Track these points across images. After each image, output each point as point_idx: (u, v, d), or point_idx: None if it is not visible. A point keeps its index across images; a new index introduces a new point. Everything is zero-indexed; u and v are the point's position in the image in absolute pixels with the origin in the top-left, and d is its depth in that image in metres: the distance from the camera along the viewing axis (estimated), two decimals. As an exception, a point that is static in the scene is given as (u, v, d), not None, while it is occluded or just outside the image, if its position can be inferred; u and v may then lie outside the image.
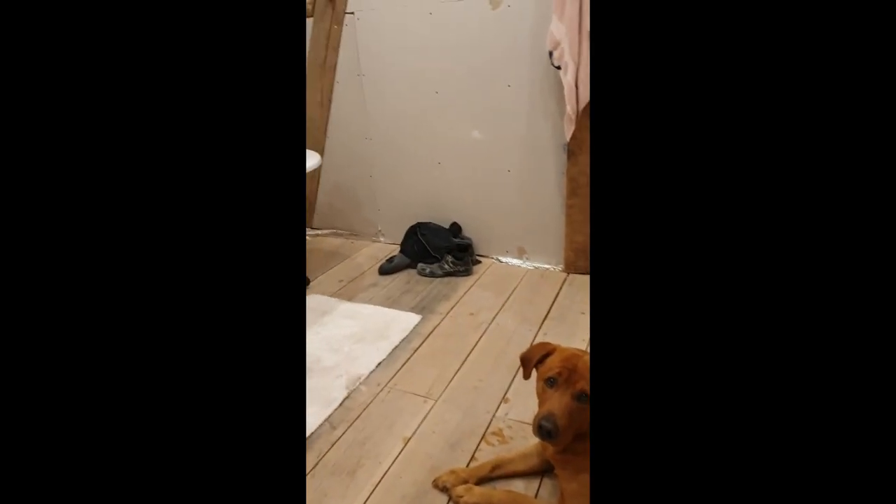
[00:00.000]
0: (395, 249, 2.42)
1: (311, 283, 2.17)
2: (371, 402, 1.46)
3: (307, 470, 1.24)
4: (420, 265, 2.19)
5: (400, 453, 1.27)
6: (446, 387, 1.51)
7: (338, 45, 2.32)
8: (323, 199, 2.71)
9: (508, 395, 1.45)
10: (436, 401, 1.45)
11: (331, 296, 2.06)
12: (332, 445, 1.31)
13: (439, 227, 2.28)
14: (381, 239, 2.60)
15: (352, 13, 2.22)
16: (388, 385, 1.52)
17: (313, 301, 2.02)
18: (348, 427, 1.37)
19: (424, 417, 1.39)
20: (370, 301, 2.01)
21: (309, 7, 2.32)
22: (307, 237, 2.59)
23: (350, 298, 2.03)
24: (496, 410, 1.40)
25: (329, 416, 1.40)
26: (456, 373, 1.56)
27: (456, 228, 2.29)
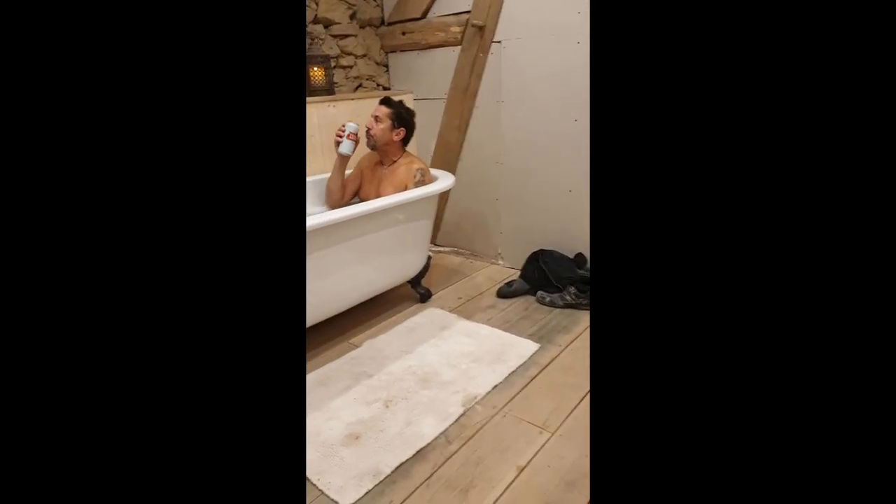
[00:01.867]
0: (512, 273, 2.42)
1: (432, 297, 2.24)
2: (486, 423, 1.46)
3: (423, 479, 1.26)
4: (540, 293, 2.17)
5: (513, 481, 1.25)
6: (563, 421, 1.46)
7: (482, 73, 2.41)
8: (449, 218, 2.81)
9: (631, 442, 1.36)
10: (552, 434, 1.41)
11: (450, 311, 2.12)
12: (447, 460, 1.32)
13: (563, 256, 2.24)
14: (500, 262, 2.62)
15: (499, 42, 2.31)
16: (504, 409, 1.51)
17: (434, 314, 2.09)
18: (463, 444, 1.38)
19: (540, 449, 1.35)
20: (488, 322, 2.02)
21: (458, 37, 2.46)
22: (430, 253, 2.69)
23: (468, 317, 2.07)
24: (617, 456, 1.32)
25: (445, 430, 1.43)
26: (574, 408, 1.51)
27: (581, 260, 2.23)
